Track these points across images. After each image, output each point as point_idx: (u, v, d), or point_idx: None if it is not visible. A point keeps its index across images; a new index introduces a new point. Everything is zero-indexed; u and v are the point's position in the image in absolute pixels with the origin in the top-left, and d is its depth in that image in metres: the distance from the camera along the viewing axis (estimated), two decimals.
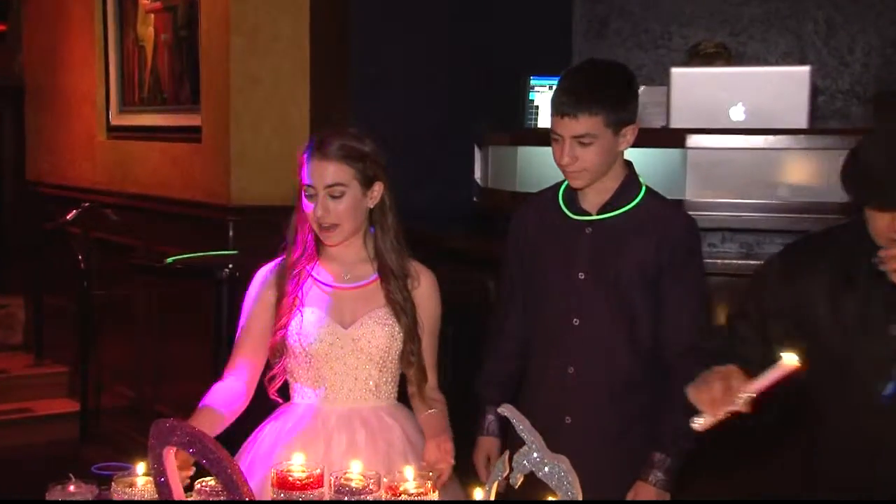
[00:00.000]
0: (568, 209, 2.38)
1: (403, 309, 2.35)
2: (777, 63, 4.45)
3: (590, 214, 2.35)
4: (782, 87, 3.14)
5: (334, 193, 2.29)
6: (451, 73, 4.09)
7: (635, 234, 2.31)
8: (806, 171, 3.09)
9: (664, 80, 3.38)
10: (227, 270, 3.50)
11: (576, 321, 2.33)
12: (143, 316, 4.85)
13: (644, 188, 2.36)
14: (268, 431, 2.36)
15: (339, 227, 2.32)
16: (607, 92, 2.24)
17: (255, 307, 2.38)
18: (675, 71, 3.26)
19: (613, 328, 2.31)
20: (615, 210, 2.33)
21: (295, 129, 4.15)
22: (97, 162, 5.35)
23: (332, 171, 2.29)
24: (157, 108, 4.88)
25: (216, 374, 2.35)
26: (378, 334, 2.34)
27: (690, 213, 2.95)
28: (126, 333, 5.00)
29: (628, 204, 2.33)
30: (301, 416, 2.35)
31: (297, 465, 1.91)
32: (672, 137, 3.12)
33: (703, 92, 3.18)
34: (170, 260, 3.70)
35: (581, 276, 2.33)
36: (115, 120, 5.27)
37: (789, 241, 2.99)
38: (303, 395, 2.38)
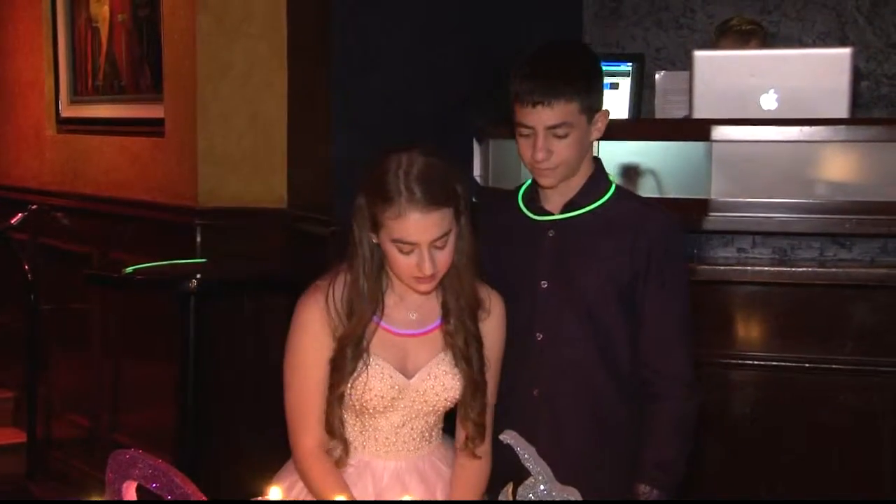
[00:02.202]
0: (528, 210, 2.41)
1: (465, 354, 2.27)
2: (814, 44, 4.47)
3: (552, 215, 2.38)
4: (820, 72, 3.17)
5: (439, 245, 2.19)
6: (446, 58, 4.11)
7: (604, 236, 2.33)
8: (847, 167, 3.12)
9: (686, 65, 3.42)
10: (194, 281, 3.52)
11: (539, 335, 2.34)
12: (99, 334, 4.87)
13: (613, 185, 2.40)
14: (300, 488, 2.29)
15: (437, 275, 2.23)
16: (579, 74, 2.29)
17: (315, 354, 2.27)
18: (699, 54, 3.28)
19: (582, 345, 2.32)
20: (580, 209, 2.36)
21: (271, 122, 4.16)
22: (45, 159, 5.37)
23: (437, 222, 2.17)
24: (114, 97, 4.90)
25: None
26: (447, 386, 2.28)
27: (716, 214, 3.00)
28: (79, 354, 5.02)
29: (596, 201, 2.36)
30: (345, 471, 2.28)
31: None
32: (695, 129, 3.15)
33: (731, 77, 3.21)
34: (129, 270, 3.72)
35: (544, 284, 2.35)
36: (66, 111, 5.28)
37: (827, 245, 3.05)
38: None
